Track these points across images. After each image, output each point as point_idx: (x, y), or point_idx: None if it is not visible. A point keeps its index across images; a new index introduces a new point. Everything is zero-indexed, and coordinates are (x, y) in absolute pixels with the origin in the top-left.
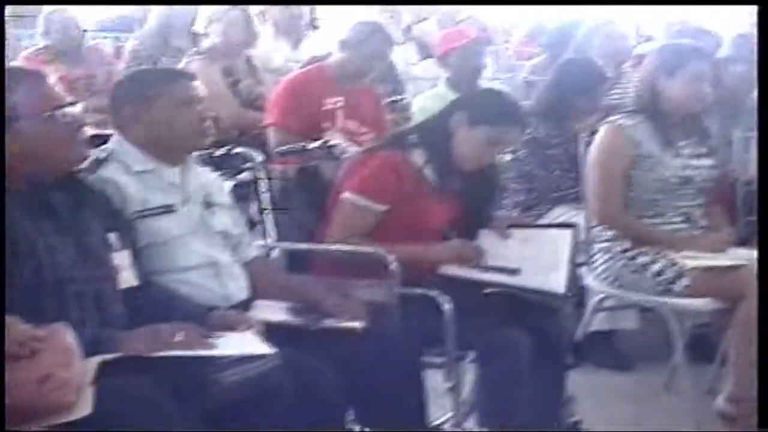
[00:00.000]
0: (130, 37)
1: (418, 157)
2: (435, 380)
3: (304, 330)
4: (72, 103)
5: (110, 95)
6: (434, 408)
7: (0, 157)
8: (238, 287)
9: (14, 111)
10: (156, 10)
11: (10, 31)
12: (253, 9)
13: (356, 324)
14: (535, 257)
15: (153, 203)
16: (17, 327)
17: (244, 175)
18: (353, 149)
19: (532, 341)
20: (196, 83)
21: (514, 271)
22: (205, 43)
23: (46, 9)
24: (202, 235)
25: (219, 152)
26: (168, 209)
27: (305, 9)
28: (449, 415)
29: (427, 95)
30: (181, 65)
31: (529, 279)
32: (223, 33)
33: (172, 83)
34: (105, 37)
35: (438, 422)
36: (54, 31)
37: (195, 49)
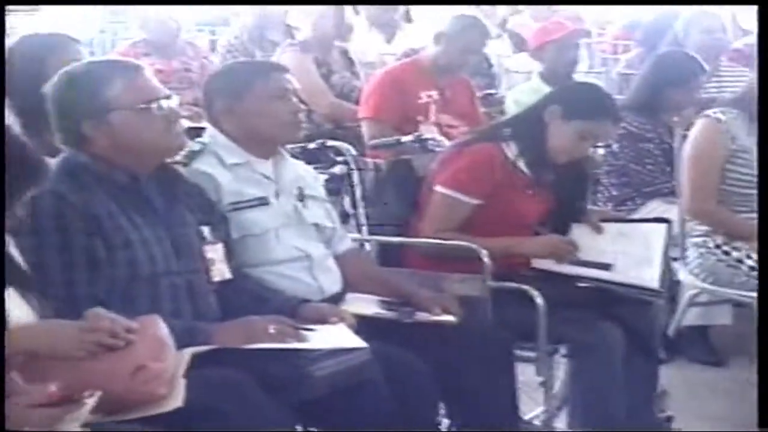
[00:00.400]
0: (225, 31)
1: (511, 150)
2: (527, 374)
3: (397, 323)
4: (168, 96)
5: (204, 88)
6: (525, 402)
7: (0, 155)
8: (330, 280)
9: (111, 103)
10: (249, 4)
11: (107, 26)
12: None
13: (449, 317)
14: (629, 252)
15: (247, 196)
16: (110, 318)
17: (337, 169)
18: (447, 142)
19: (625, 336)
20: (290, 76)
21: (606, 266)
22: (299, 36)
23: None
24: (295, 227)
25: (312, 145)
26: (262, 202)
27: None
28: (540, 409)
29: (520, 89)
30: (274, 57)
31: (622, 274)
32: (314, 25)
33: (265, 76)
34: (200, 31)
35: (529, 417)
36: (151, 25)
37: (289, 41)
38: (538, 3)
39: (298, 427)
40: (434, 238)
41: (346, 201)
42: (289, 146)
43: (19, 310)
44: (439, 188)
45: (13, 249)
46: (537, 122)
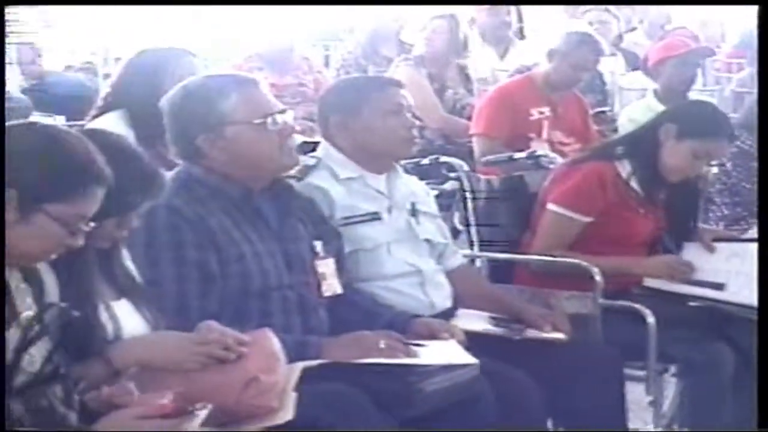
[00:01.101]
0: (338, 47)
1: (624, 168)
2: (636, 393)
3: (506, 340)
4: (282, 111)
5: (320, 103)
6: (634, 420)
7: (0, 158)
8: (442, 296)
9: (227, 117)
10: (363, 20)
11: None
12: (462, 17)
13: (559, 335)
14: (742, 272)
15: (359, 210)
16: (222, 331)
17: (449, 185)
18: (560, 160)
19: (735, 356)
20: (404, 91)
21: (720, 286)
22: (413, 52)
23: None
24: (407, 243)
25: (425, 161)
26: (374, 216)
27: (513, 18)
28: (649, 428)
29: (634, 106)
30: (389, 72)
31: (736, 294)
32: (428, 41)
33: (380, 91)
34: (314, 46)
35: None
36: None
37: (403, 56)
38: (541, 3)
39: None
40: (545, 256)
41: (456, 217)
42: (402, 161)
43: (132, 321)
44: (551, 206)
45: (127, 261)
46: (651, 141)
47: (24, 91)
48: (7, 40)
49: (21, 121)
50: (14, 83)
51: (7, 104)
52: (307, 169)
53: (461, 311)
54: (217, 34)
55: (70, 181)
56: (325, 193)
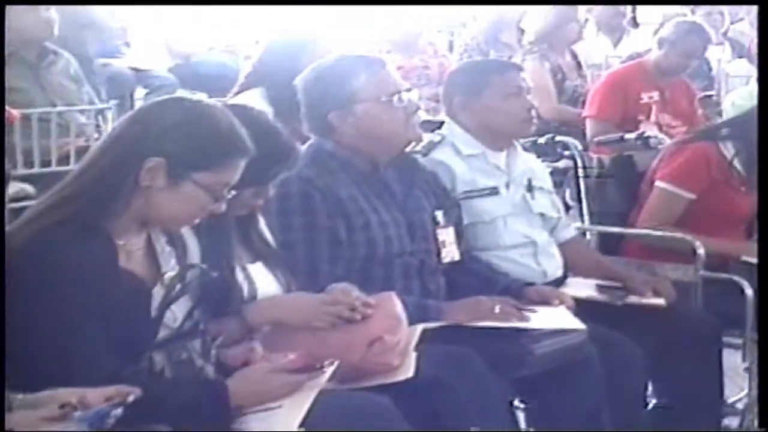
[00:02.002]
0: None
1: (728, 149)
2: (732, 360)
3: (613, 307)
4: (408, 89)
5: (445, 84)
6: (730, 386)
7: (0, 157)
8: (553, 266)
9: (357, 95)
10: (486, 8)
11: None
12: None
13: (659, 301)
14: None
15: (479, 185)
16: (350, 293)
17: (561, 163)
18: (668, 140)
19: None
20: (524, 74)
21: None
22: (527, 37)
23: None
24: (522, 216)
25: (542, 140)
26: (493, 191)
27: (628, 7)
28: (743, 393)
29: (738, 92)
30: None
31: None
32: (547, 28)
33: (501, 74)
34: (439, 32)
35: (732, 400)
36: (394, 24)
37: (528, 46)
38: (544, 3)
39: (516, 401)
40: (652, 230)
41: (568, 193)
42: (521, 140)
43: (266, 283)
44: (659, 183)
45: (263, 227)
46: (754, 125)
47: (170, 70)
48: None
49: (169, 96)
50: (163, 63)
51: (155, 82)
52: (432, 145)
53: (570, 279)
54: (347, 21)
55: (216, 151)
56: (448, 167)
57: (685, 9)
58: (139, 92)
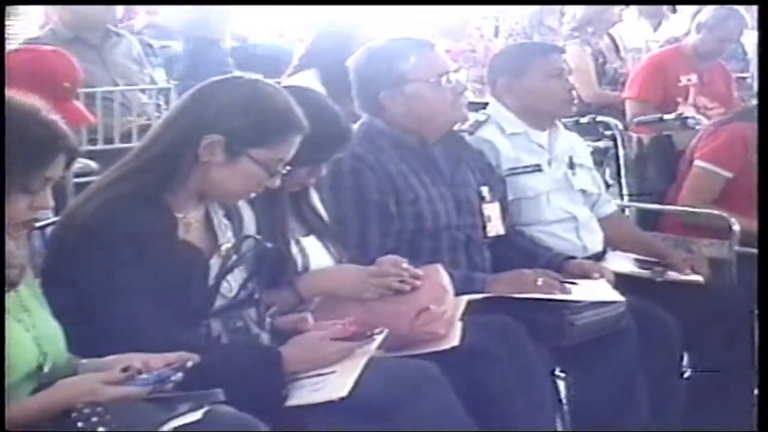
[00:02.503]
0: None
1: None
2: None
3: (650, 280)
4: (456, 70)
5: (489, 66)
6: None
7: (0, 156)
8: (594, 240)
9: (406, 75)
10: None
11: None
12: None
13: (697, 277)
14: None
15: (523, 162)
16: (399, 265)
17: (601, 143)
18: (705, 121)
19: None
20: (565, 56)
21: None
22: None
23: None
24: (564, 192)
25: (584, 120)
26: (536, 168)
27: None
28: None
29: None
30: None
31: None
32: (588, 14)
33: (543, 56)
34: (485, 18)
35: None
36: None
37: (569, 31)
38: (538, 3)
39: (557, 371)
40: (689, 207)
41: (608, 172)
42: (563, 119)
43: (319, 255)
44: (698, 162)
45: (316, 201)
46: None
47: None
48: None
49: (227, 75)
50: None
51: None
52: (478, 125)
53: (610, 254)
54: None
55: (273, 128)
56: (493, 145)
57: None
58: None
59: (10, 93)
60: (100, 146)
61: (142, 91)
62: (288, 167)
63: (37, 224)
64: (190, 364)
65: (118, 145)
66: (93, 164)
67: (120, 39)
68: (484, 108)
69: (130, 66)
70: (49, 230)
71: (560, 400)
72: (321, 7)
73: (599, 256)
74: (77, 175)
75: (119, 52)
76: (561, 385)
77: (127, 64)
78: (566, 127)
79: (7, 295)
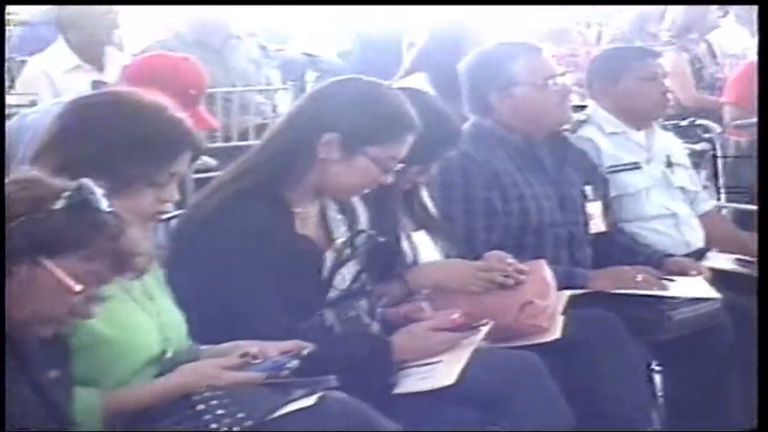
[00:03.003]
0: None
1: None
2: None
3: (748, 277)
4: (562, 74)
5: (587, 70)
6: None
7: (0, 156)
8: (694, 237)
9: (515, 78)
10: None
11: None
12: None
13: None
14: None
15: (622, 160)
16: (505, 260)
17: (699, 146)
18: None
19: None
20: (661, 60)
21: None
22: (665, 26)
23: None
24: (663, 189)
25: (684, 123)
26: (635, 166)
27: None
28: None
29: None
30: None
31: None
32: (687, 21)
33: (638, 61)
34: (588, 26)
35: None
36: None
37: (669, 38)
38: (539, 3)
39: (654, 364)
40: None
41: (704, 175)
42: (664, 121)
43: (428, 249)
44: None
45: (425, 198)
46: None
47: (339, 56)
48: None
49: (346, 76)
50: (329, 50)
51: (324, 66)
52: (579, 124)
53: (711, 253)
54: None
55: (388, 127)
56: (594, 144)
57: None
58: (310, 75)
59: (140, 92)
60: (218, 144)
61: (259, 91)
62: (401, 165)
63: (163, 216)
64: (305, 352)
65: (235, 143)
66: (212, 161)
67: (239, 42)
68: (583, 110)
69: (248, 68)
70: (172, 223)
71: (655, 394)
72: (429, 12)
73: (701, 253)
74: (197, 171)
75: (238, 55)
76: (657, 378)
77: (245, 67)
78: (666, 128)
79: (132, 284)
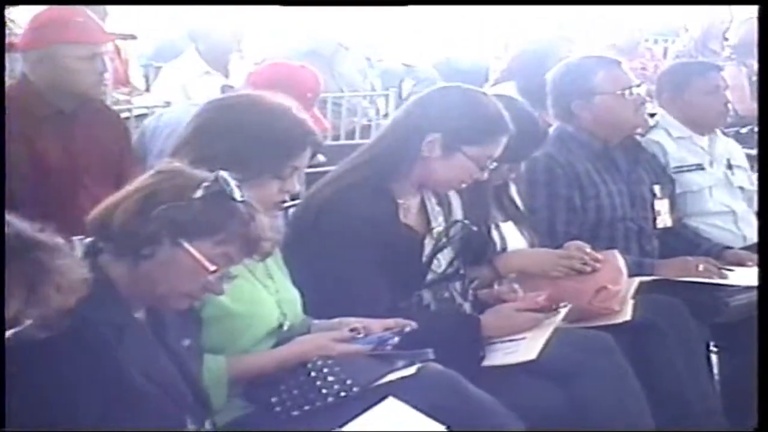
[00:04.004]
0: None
1: None
2: None
3: None
4: (638, 85)
5: (657, 82)
6: None
7: (0, 157)
8: (751, 232)
9: (596, 88)
10: (695, 19)
11: None
12: None
13: None
14: None
15: (688, 161)
16: (582, 249)
17: (754, 151)
18: None
19: None
20: (723, 74)
21: None
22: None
23: None
24: (724, 188)
25: (744, 130)
26: (698, 167)
27: None
28: None
29: None
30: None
31: None
32: (746, 39)
33: (701, 75)
34: (655, 43)
35: None
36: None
37: (729, 54)
38: (540, 3)
39: (711, 344)
40: None
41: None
42: (726, 129)
43: (515, 239)
44: None
45: (514, 193)
46: None
47: (434, 66)
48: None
49: (446, 84)
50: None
51: (420, 75)
52: (649, 129)
53: None
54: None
55: (485, 130)
56: (662, 146)
57: None
58: (407, 83)
59: (268, 95)
60: (328, 142)
61: (363, 97)
62: (494, 163)
63: (284, 205)
64: (407, 329)
65: (343, 141)
66: (321, 157)
67: (347, 53)
68: (653, 117)
69: (355, 76)
70: (290, 211)
71: (712, 372)
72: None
73: (754, 247)
74: (308, 166)
75: (346, 64)
76: (714, 358)
77: (352, 75)
78: (727, 135)
79: (255, 264)
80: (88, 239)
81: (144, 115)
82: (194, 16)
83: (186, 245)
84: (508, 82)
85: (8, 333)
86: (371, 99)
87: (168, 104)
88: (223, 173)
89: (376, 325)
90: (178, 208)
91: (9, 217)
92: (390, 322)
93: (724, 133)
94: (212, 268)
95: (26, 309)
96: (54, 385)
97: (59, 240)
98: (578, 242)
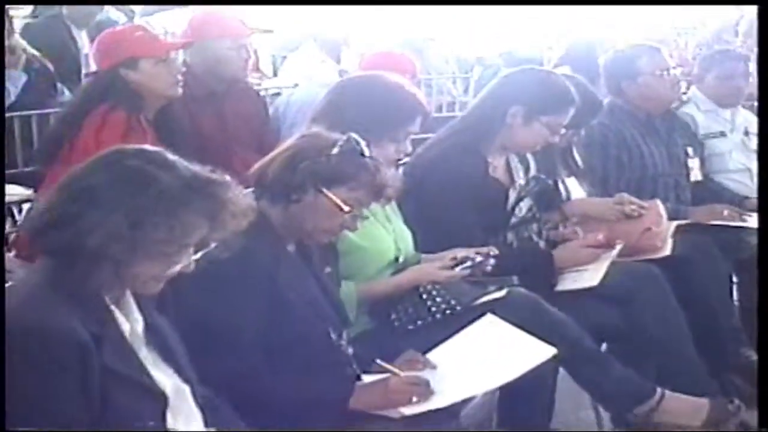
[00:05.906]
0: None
1: None
2: None
3: None
4: (674, 67)
5: (697, 65)
6: None
7: (0, 155)
8: None
9: (640, 70)
10: (711, 16)
11: None
12: None
13: None
14: None
15: (713, 129)
16: (631, 199)
17: None
18: None
19: None
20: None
21: None
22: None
23: None
24: (742, 151)
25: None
26: (722, 134)
27: None
28: None
29: None
30: None
31: None
32: (748, 29)
33: (720, 65)
34: (679, 35)
35: None
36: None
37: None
38: (539, 3)
39: (733, 276)
40: None
41: None
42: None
43: (577, 191)
44: None
45: (575, 154)
46: None
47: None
48: None
49: (527, 66)
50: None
51: (487, 62)
52: (681, 103)
53: None
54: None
55: (557, 101)
56: (693, 118)
57: None
58: (477, 69)
59: (385, 75)
60: None
61: (448, 79)
62: (564, 129)
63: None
64: (493, 252)
65: (433, 114)
66: None
67: (433, 44)
68: (685, 93)
69: (440, 62)
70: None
71: (733, 298)
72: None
73: None
74: None
75: (434, 54)
76: (734, 289)
77: (438, 62)
78: (745, 108)
79: (377, 209)
80: (249, 189)
81: (277, 95)
82: (311, 17)
83: (326, 191)
84: (563, 66)
85: (197, 254)
86: (454, 80)
87: (296, 86)
88: (354, 134)
89: (473, 253)
90: (318, 163)
91: (186, 164)
92: (484, 249)
93: (743, 107)
94: (347, 208)
95: (210, 234)
96: (225, 304)
97: (228, 177)
98: (626, 194)
